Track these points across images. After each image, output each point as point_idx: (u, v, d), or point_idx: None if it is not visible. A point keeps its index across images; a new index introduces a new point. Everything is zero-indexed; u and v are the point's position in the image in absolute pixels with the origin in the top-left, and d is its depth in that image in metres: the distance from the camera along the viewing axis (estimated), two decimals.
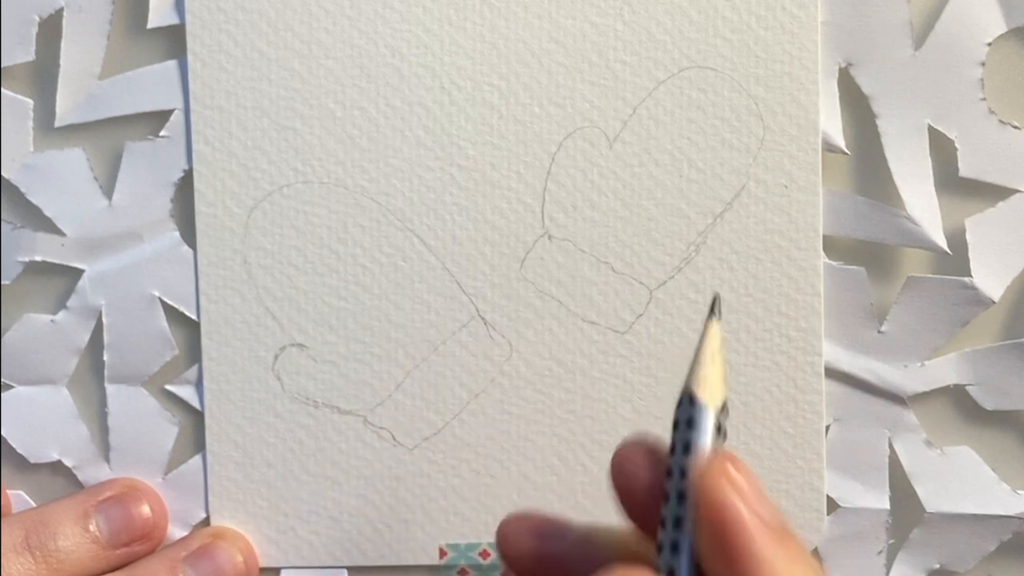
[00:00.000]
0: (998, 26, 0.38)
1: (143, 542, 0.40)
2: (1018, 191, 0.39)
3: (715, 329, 0.29)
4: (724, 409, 0.28)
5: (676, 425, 0.28)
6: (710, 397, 0.28)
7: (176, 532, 0.41)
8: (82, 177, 0.41)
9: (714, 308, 0.29)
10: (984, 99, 0.39)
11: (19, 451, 0.42)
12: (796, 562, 0.27)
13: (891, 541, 0.40)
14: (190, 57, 0.40)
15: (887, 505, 0.40)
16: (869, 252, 0.40)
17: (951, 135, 0.39)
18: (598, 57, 0.39)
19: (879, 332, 0.40)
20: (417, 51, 0.39)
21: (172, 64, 0.40)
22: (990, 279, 0.39)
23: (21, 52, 0.41)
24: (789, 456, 0.40)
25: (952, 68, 0.39)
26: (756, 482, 0.27)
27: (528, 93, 0.39)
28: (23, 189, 0.41)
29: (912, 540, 0.40)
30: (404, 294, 0.40)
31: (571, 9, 0.39)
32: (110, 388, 0.41)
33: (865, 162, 0.40)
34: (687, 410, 0.28)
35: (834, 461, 0.40)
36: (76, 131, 0.41)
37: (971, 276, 0.39)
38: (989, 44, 0.39)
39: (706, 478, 0.27)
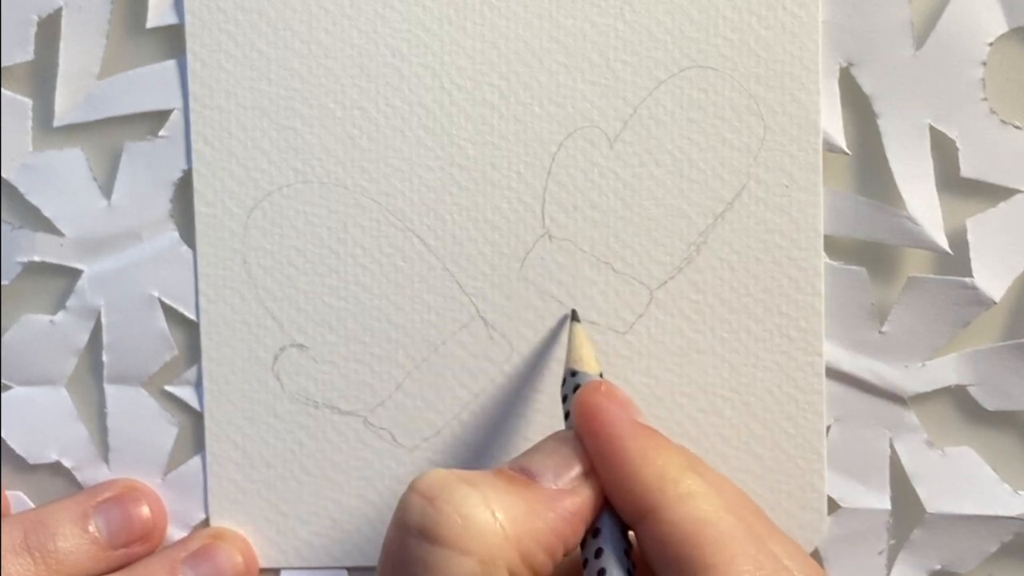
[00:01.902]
0: (999, 26, 0.38)
1: (142, 543, 0.40)
2: (1019, 191, 0.39)
3: (578, 327, 0.38)
4: (601, 376, 0.36)
5: (565, 399, 0.36)
6: (589, 368, 0.36)
7: (176, 533, 0.41)
8: (81, 177, 0.41)
9: (574, 316, 0.39)
10: (985, 99, 0.39)
11: (18, 452, 0.42)
12: (661, 448, 0.33)
13: (892, 542, 0.40)
14: (189, 57, 0.40)
15: (888, 505, 0.40)
16: (870, 252, 0.40)
17: (952, 135, 0.39)
18: (598, 57, 0.39)
19: (880, 332, 0.40)
20: (417, 51, 0.39)
21: (171, 64, 0.40)
22: (991, 279, 0.39)
23: (20, 52, 0.40)
24: (789, 456, 0.40)
25: (953, 68, 0.39)
26: (622, 394, 0.34)
27: (528, 93, 0.39)
28: (22, 189, 0.41)
29: (913, 541, 0.40)
30: (404, 294, 0.40)
31: (571, 9, 0.39)
32: (109, 388, 0.41)
33: (866, 162, 0.39)
34: (572, 381, 0.35)
35: (835, 461, 0.40)
36: (75, 131, 0.41)
37: (972, 276, 0.39)
38: (990, 44, 0.38)
39: (581, 391, 0.34)
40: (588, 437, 0.33)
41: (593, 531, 0.33)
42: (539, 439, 0.40)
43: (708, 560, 0.31)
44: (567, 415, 0.36)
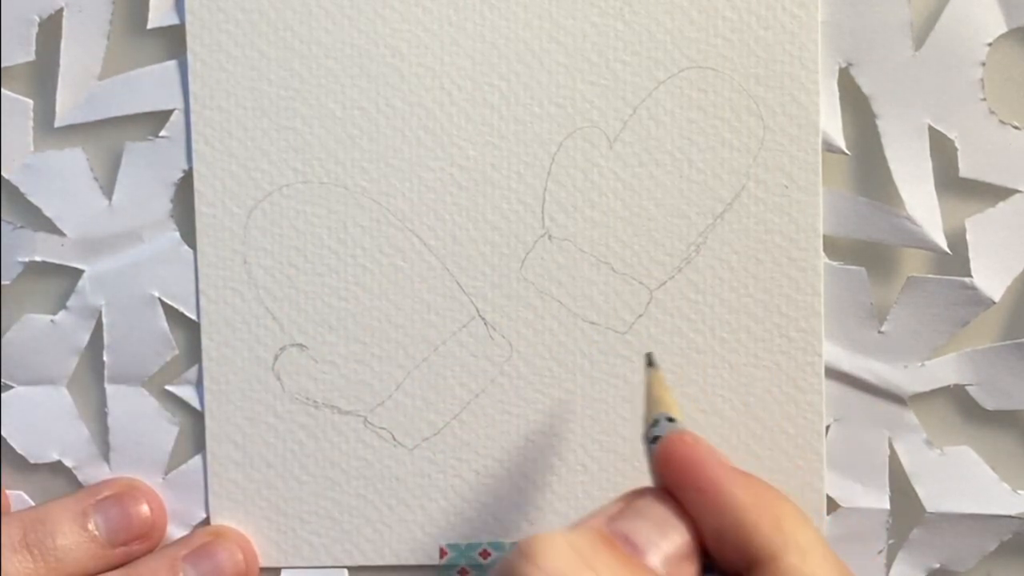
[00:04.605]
0: (998, 26, 0.38)
1: (142, 541, 0.40)
2: (1018, 191, 0.39)
3: (656, 373, 0.37)
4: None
5: (655, 439, 0.34)
6: (678, 416, 0.35)
7: (176, 532, 0.41)
8: (82, 177, 0.41)
9: (650, 361, 0.37)
10: (984, 99, 0.39)
11: (19, 451, 0.42)
12: (773, 496, 0.32)
13: (891, 541, 0.40)
14: (190, 57, 0.40)
15: (887, 505, 0.40)
16: (869, 252, 0.40)
17: (951, 135, 0.39)
18: (598, 57, 0.39)
19: (879, 332, 0.40)
20: (417, 51, 0.40)
21: (172, 64, 0.40)
22: (990, 279, 0.39)
23: (21, 52, 0.41)
24: (789, 456, 0.40)
25: (952, 68, 0.39)
26: (708, 443, 0.33)
27: (528, 93, 0.39)
28: (23, 189, 0.41)
29: (912, 540, 0.40)
30: (404, 294, 0.40)
31: (571, 9, 0.39)
32: (110, 388, 0.41)
33: (865, 162, 0.40)
34: (654, 431, 0.34)
35: (834, 461, 0.40)
36: (76, 131, 0.41)
37: (971, 276, 0.39)
38: (989, 44, 0.39)
39: (668, 445, 0.33)
40: (688, 491, 0.32)
41: None
42: (539, 439, 0.40)
43: None
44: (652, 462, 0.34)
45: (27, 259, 0.41)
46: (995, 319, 0.40)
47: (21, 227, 0.41)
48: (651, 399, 0.36)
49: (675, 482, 0.32)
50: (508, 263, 0.40)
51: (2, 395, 0.42)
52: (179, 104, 0.40)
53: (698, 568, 0.32)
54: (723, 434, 0.40)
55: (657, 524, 0.32)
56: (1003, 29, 0.38)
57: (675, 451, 0.33)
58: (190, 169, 0.40)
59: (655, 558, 0.31)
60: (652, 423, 0.34)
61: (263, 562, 0.41)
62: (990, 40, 0.38)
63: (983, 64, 0.39)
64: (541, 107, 0.39)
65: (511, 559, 0.30)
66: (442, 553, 0.41)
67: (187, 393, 0.41)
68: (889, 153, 0.39)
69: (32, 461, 0.42)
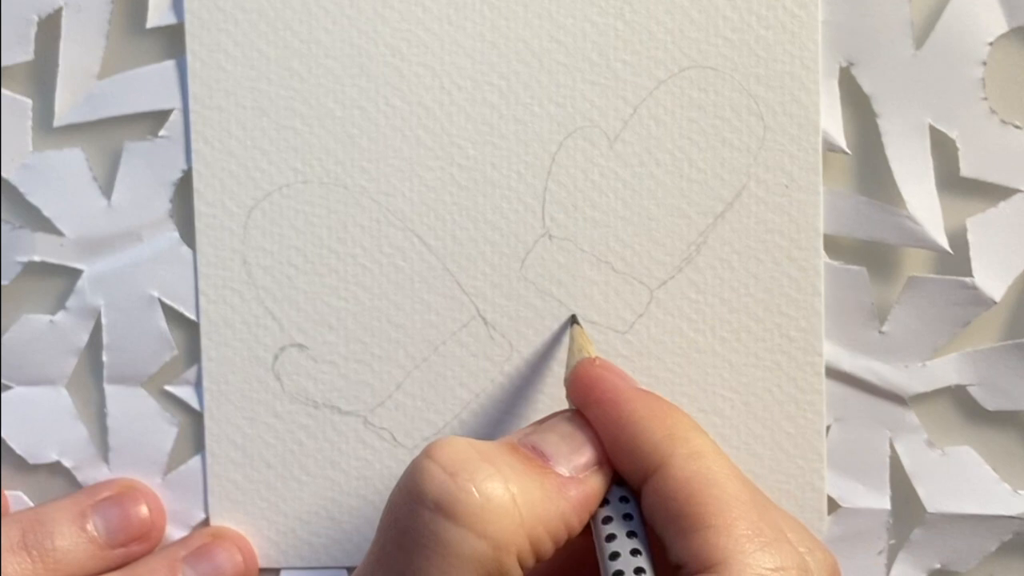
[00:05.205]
0: (999, 25, 0.38)
1: (141, 542, 0.40)
2: (1019, 191, 0.39)
3: (578, 328, 0.39)
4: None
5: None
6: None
7: (175, 533, 0.41)
8: (81, 177, 0.41)
9: (574, 320, 0.40)
10: (985, 99, 0.39)
11: (18, 452, 0.42)
12: (669, 409, 0.33)
13: (892, 541, 0.40)
14: (189, 57, 0.40)
15: (888, 505, 0.40)
16: (870, 252, 0.40)
17: (952, 135, 0.39)
18: (598, 57, 0.39)
19: (880, 332, 0.40)
20: (417, 51, 0.39)
21: (171, 64, 0.40)
22: (991, 279, 0.39)
23: (20, 52, 0.40)
24: (789, 456, 0.40)
25: (953, 67, 0.39)
26: (618, 368, 0.35)
27: (528, 93, 0.39)
28: (22, 189, 0.41)
29: (913, 540, 0.40)
30: (404, 294, 0.40)
31: (571, 9, 0.39)
32: (109, 389, 0.41)
33: (866, 162, 0.39)
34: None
35: (835, 461, 0.40)
36: (75, 131, 0.41)
37: (972, 276, 0.39)
38: (991, 43, 0.38)
39: (578, 367, 0.35)
40: (592, 406, 0.34)
41: (604, 518, 0.33)
42: None
43: (709, 520, 0.31)
44: None
45: (26, 259, 0.41)
46: (996, 319, 0.40)
47: (20, 227, 0.41)
48: (574, 349, 0.37)
49: (581, 400, 0.34)
50: (508, 263, 0.40)
51: (1, 395, 0.42)
52: (178, 104, 0.40)
53: (606, 481, 0.33)
54: (723, 434, 0.40)
55: (564, 437, 0.34)
56: (1004, 28, 0.38)
57: (583, 372, 0.35)
58: (189, 169, 0.40)
59: (561, 466, 0.33)
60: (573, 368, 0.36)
61: (263, 563, 0.41)
62: (991, 39, 0.38)
63: (984, 63, 0.39)
64: (541, 107, 0.39)
65: (416, 457, 0.32)
66: None
67: (186, 393, 0.41)
68: (890, 152, 0.39)
69: (31, 462, 0.42)
